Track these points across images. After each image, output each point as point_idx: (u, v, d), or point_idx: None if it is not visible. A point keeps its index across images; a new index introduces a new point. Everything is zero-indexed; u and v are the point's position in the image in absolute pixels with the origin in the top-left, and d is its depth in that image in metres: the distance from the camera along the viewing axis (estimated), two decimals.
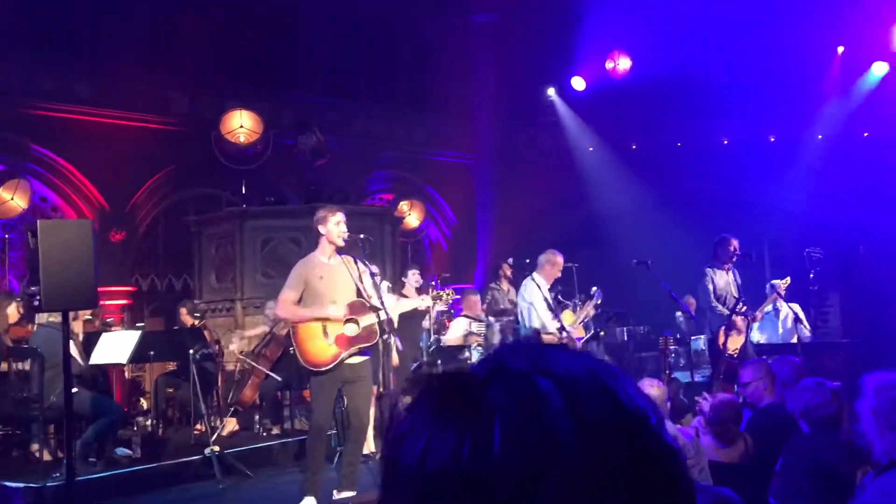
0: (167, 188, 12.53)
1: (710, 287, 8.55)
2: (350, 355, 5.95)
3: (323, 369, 5.92)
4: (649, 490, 0.67)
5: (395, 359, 7.36)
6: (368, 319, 5.94)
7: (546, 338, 8.09)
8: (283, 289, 6.11)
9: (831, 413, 3.82)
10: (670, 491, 0.69)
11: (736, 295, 8.54)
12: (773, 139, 13.99)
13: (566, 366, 0.71)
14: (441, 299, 7.11)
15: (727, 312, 8.37)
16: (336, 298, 5.97)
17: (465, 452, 0.66)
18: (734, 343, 8.18)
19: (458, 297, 9.38)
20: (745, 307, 8.40)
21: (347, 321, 5.93)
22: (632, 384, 0.73)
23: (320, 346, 5.90)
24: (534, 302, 8.33)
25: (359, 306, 5.97)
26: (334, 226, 5.99)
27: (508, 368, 0.71)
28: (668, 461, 0.70)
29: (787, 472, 3.73)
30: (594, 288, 9.25)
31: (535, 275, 8.41)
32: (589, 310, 9.03)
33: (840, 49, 13.12)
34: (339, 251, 6.04)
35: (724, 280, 8.61)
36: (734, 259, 8.63)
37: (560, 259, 8.48)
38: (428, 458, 0.68)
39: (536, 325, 8.37)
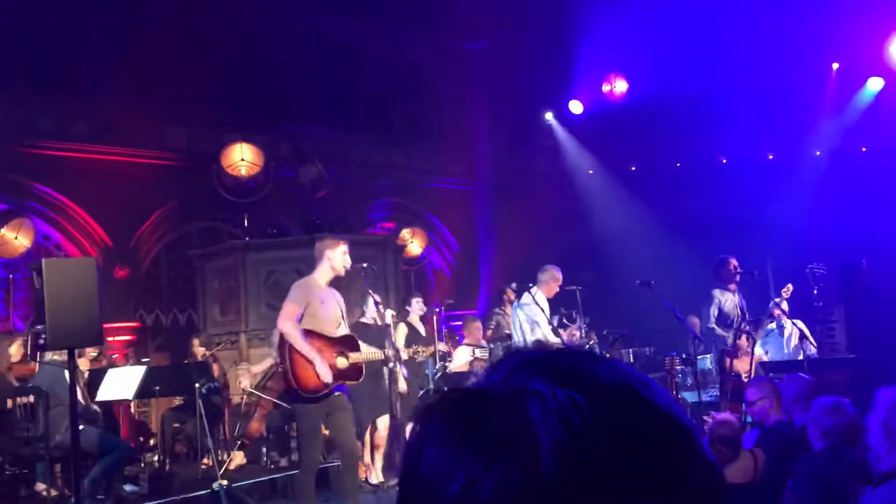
0: (169, 223, 12.56)
1: (714, 311, 8.57)
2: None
3: (311, 395, 5.89)
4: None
5: (402, 386, 7.34)
6: (358, 356, 5.98)
7: None
8: (286, 302, 6.07)
9: (852, 432, 3.83)
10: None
11: (741, 316, 8.53)
12: (771, 157, 14.03)
13: (596, 377, 0.65)
14: (418, 355, 7.48)
15: (727, 335, 8.35)
16: (327, 326, 6.03)
17: (515, 483, 0.60)
18: (740, 365, 8.14)
19: (460, 323, 9.38)
20: (748, 326, 8.37)
21: (339, 354, 5.95)
22: (665, 393, 0.66)
23: (313, 373, 5.89)
24: (536, 318, 8.29)
25: (350, 341, 6.02)
26: (341, 255, 6.04)
27: (532, 385, 0.64)
28: (716, 479, 0.66)
29: (797, 489, 3.70)
30: (574, 313, 9.24)
31: (535, 291, 8.38)
32: (574, 330, 9.01)
33: (835, 65, 13.19)
34: (332, 282, 6.11)
35: (731, 302, 8.61)
36: (737, 278, 8.63)
37: (560, 274, 8.52)
38: (471, 495, 0.61)
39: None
